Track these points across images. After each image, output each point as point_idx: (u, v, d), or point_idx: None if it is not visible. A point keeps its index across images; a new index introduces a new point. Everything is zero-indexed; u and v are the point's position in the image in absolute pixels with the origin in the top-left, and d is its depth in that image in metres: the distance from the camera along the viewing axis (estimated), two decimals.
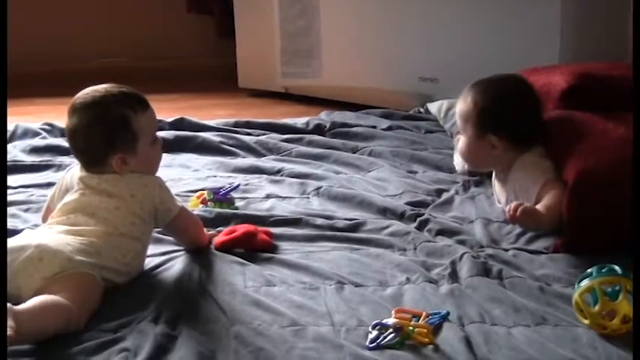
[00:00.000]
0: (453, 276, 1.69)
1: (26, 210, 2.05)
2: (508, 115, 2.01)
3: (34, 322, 1.38)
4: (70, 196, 1.66)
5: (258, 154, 2.60)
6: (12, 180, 2.30)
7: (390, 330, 1.43)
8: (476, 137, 2.02)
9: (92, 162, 1.67)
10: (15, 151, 2.57)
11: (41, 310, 1.40)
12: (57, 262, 1.51)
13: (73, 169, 1.73)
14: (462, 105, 2.05)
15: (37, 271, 1.49)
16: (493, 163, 2.07)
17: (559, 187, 1.88)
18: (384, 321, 1.46)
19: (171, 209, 1.70)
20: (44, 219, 1.75)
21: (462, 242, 1.86)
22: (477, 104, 2.01)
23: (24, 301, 1.44)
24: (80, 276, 1.52)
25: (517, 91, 2.04)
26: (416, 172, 2.40)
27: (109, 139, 1.64)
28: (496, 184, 2.10)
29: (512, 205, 1.83)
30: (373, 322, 1.47)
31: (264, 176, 2.35)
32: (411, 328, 1.44)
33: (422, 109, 3.03)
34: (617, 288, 1.47)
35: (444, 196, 2.18)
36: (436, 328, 1.47)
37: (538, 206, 1.87)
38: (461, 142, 2.08)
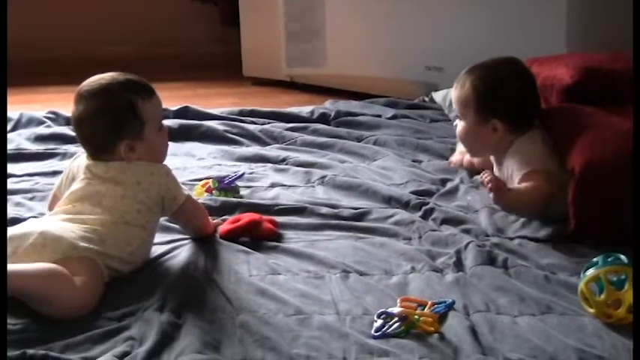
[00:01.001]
0: (458, 265, 1.69)
1: (31, 198, 2.05)
2: (509, 98, 2.00)
3: (19, 269, 1.42)
4: (77, 185, 1.66)
5: (262, 142, 2.59)
6: (16, 168, 2.30)
7: (396, 319, 1.43)
8: (477, 123, 2.02)
9: (99, 149, 1.67)
10: (19, 140, 2.57)
11: (29, 266, 1.45)
12: (60, 248, 1.51)
13: (79, 158, 1.73)
14: (459, 91, 2.05)
15: (41, 258, 1.50)
16: (493, 148, 2.06)
17: (538, 180, 1.89)
18: (389, 310, 1.46)
19: (178, 198, 1.70)
20: (50, 207, 1.75)
21: (467, 231, 1.85)
22: (476, 89, 2.01)
23: None
24: (83, 260, 1.52)
25: (514, 73, 2.04)
26: (421, 161, 2.40)
27: (116, 126, 1.64)
28: (495, 171, 2.09)
29: (488, 176, 1.91)
30: (378, 311, 1.47)
31: (269, 165, 2.35)
32: (416, 317, 1.44)
33: (427, 98, 3.03)
34: (622, 277, 1.47)
35: (449, 185, 2.17)
36: (441, 317, 1.47)
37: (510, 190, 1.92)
38: (460, 128, 2.08)
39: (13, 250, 1.50)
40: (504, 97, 2.00)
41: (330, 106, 2.96)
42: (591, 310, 1.48)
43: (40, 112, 2.81)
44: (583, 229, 1.79)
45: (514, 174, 1.96)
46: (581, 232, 1.79)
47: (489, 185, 1.90)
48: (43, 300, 1.43)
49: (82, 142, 1.71)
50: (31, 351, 1.33)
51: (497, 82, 2.01)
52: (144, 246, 1.66)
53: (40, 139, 2.59)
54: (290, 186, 2.18)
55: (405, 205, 2.01)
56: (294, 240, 1.82)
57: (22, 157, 2.43)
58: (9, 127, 2.67)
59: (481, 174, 1.94)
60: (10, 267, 1.41)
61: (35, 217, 1.85)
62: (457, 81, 2.06)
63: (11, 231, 1.56)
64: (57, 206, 1.67)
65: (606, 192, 1.79)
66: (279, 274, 1.65)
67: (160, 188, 1.67)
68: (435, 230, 1.86)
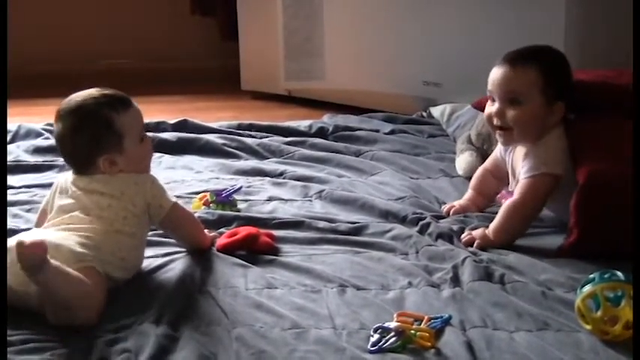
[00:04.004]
0: (455, 280, 1.68)
1: (29, 210, 2.05)
2: (570, 83, 1.97)
3: (60, 274, 1.44)
4: (64, 199, 1.69)
5: (260, 156, 2.60)
6: (15, 180, 2.31)
7: (392, 333, 1.43)
8: (541, 106, 1.92)
9: (81, 165, 1.70)
10: (18, 151, 2.58)
11: (69, 272, 1.47)
12: (60, 255, 1.52)
13: (67, 173, 1.75)
14: (521, 73, 1.93)
15: None
16: (540, 134, 1.94)
17: (536, 188, 1.87)
18: (385, 324, 1.46)
19: (164, 205, 1.71)
20: (38, 222, 1.76)
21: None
22: (544, 71, 1.93)
23: (32, 298, 1.49)
24: (87, 270, 1.53)
25: (565, 59, 1.99)
26: (418, 177, 2.40)
27: (93, 142, 1.67)
28: (513, 160, 2.01)
29: (467, 240, 1.89)
30: (375, 326, 1.47)
31: (267, 179, 2.36)
32: (412, 331, 1.44)
33: (425, 113, 3.03)
34: (619, 294, 1.47)
35: (446, 199, 2.18)
36: (438, 332, 1.47)
37: (490, 229, 1.89)
38: (519, 111, 1.92)
39: (12, 260, 1.50)
40: (568, 80, 1.97)
41: (328, 120, 2.96)
42: (588, 327, 1.48)
43: (38, 124, 2.82)
44: (583, 240, 1.79)
45: (528, 165, 1.91)
46: (582, 244, 1.79)
47: (475, 243, 1.87)
48: (67, 305, 1.46)
49: (64, 159, 1.75)
50: None
51: (563, 66, 1.97)
52: (135, 254, 1.68)
53: (38, 151, 2.59)
54: (287, 200, 2.18)
55: (402, 220, 2.01)
56: (291, 254, 1.82)
57: (21, 168, 2.43)
58: (7, 139, 2.67)
59: (461, 237, 1.93)
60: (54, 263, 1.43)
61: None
62: (511, 64, 1.94)
63: (8, 242, 1.56)
64: (47, 221, 1.69)
65: (608, 204, 1.78)
66: (275, 287, 1.65)
67: (146, 196, 1.68)
68: (431, 245, 1.86)
